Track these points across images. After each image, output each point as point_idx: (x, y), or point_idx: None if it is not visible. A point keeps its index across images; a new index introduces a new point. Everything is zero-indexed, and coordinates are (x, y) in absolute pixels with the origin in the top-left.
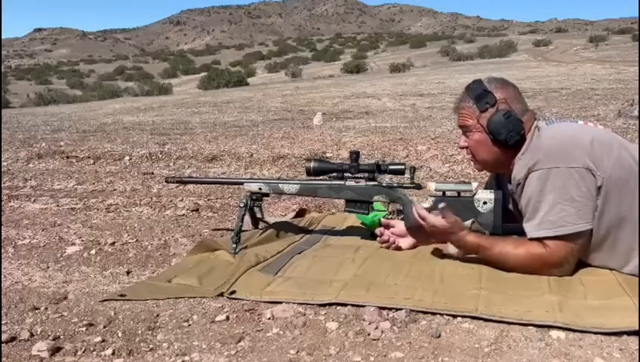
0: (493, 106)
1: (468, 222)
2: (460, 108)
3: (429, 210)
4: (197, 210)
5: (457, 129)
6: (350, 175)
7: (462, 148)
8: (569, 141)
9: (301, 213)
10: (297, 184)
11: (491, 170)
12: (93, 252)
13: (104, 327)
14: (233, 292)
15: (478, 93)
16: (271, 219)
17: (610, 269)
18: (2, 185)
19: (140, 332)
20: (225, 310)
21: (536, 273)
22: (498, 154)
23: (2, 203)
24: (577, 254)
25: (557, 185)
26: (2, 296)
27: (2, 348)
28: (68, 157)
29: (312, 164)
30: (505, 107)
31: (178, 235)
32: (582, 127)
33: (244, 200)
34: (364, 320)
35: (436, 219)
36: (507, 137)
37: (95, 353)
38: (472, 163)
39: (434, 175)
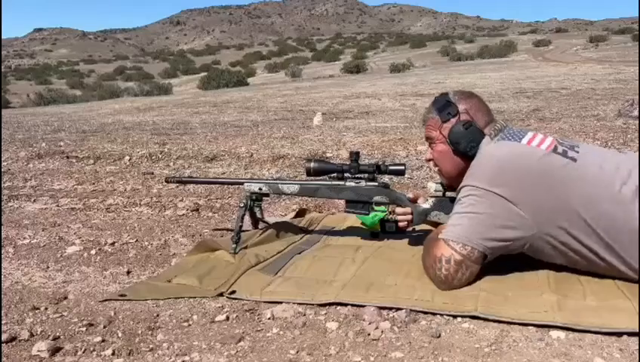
0: (455, 117)
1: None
2: (426, 120)
3: (431, 210)
4: (197, 210)
5: None
6: (350, 175)
7: (427, 160)
8: (494, 163)
9: (301, 213)
10: (297, 184)
11: (456, 183)
12: (93, 252)
13: (104, 327)
14: (233, 292)
15: (442, 105)
16: (271, 219)
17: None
18: (2, 185)
19: (140, 332)
20: (225, 310)
21: (425, 264)
22: (461, 166)
23: (2, 203)
24: (460, 265)
25: (464, 199)
26: (2, 296)
27: (2, 348)
28: (68, 157)
29: (312, 165)
30: (466, 118)
31: (178, 235)
32: (517, 149)
33: (244, 201)
34: (364, 320)
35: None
36: (467, 147)
37: (95, 353)
38: (439, 176)
39: (434, 175)
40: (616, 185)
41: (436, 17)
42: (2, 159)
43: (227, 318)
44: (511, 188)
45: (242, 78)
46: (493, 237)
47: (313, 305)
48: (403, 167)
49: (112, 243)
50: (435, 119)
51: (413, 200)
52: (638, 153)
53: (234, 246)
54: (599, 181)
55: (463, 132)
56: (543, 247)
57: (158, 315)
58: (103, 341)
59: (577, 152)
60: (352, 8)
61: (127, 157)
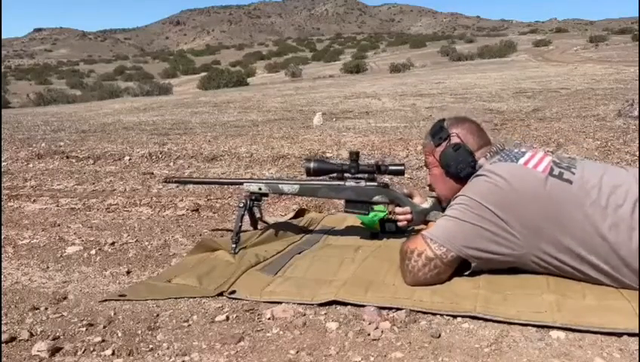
0: (446, 140)
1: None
2: (423, 146)
3: (430, 209)
4: (197, 210)
5: None
6: (350, 175)
7: (428, 185)
8: (491, 182)
9: (301, 213)
10: (297, 184)
11: None
12: (93, 252)
13: (104, 327)
14: (233, 292)
15: (435, 130)
16: (271, 219)
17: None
18: (2, 185)
19: (139, 332)
20: (225, 310)
21: (400, 256)
22: (454, 188)
23: (2, 203)
24: (429, 261)
25: (456, 205)
26: (2, 296)
27: (2, 348)
28: (68, 158)
29: (311, 165)
30: (456, 140)
31: (178, 235)
32: (514, 170)
33: (243, 201)
34: (364, 320)
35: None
36: (457, 169)
37: (95, 353)
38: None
39: None
40: (611, 208)
41: (436, 17)
42: (2, 159)
43: (227, 318)
44: (505, 208)
45: (242, 78)
46: (475, 247)
47: (313, 305)
48: (402, 167)
49: (112, 243)
50: (430, 145)
51: (408, 196)
52: (638, 156)
53: (233, 246)
54: (595, 205)
55: (452, 154)
56: (532, 267)
57: (158, 315)
58: (103, 341)
59: (573, 173)
60: (352, 8)
61: (127, 158)
